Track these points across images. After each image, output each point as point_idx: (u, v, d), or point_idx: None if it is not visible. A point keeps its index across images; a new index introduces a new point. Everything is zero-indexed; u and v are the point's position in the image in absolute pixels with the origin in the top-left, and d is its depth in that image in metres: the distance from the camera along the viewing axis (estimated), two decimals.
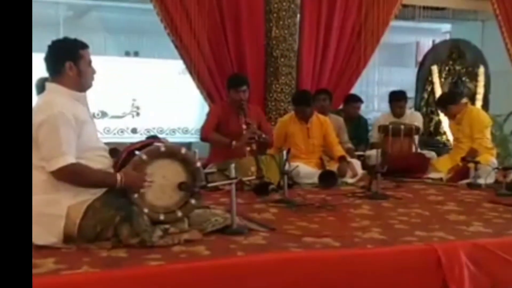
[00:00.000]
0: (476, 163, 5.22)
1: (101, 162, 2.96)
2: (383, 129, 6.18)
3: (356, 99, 6.80)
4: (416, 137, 6.24)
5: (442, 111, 6.09)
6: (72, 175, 2.78)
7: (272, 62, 6.39)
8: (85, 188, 2.84)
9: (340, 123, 6.14)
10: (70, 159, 2.76)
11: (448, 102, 5.89)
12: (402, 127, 6.09)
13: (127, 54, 9.15)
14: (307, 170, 5.18)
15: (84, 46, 3.02)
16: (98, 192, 2.86)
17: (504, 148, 7.85)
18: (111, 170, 2.97)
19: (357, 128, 6.64)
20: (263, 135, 5.11)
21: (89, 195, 2.84)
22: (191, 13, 6.06)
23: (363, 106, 7.13)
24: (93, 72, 3.06)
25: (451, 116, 5.91)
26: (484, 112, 6.21)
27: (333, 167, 5.31)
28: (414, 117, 6.47)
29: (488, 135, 5.77)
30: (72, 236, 2.75)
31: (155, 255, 2.61)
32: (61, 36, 3.30)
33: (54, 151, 2.75)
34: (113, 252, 2.68)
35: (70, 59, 2.94)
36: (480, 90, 8.08)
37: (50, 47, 2.98)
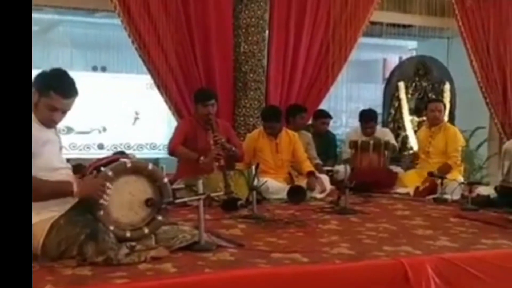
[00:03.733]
0: (443, 178, 5.28)
1: (64, 178, 2.90)
2: (353, 144, 6.22)
3: (325, 115, 6.84)
4: (386, 153, 6.29)
5: (439, 111, 5.97)
6: None
7: (241, 77, 6.39)
8: (47, 205, 2.77)
9: (308, 138, 6.17)
10: None
11: (444, 106, 5.99)
12: (372, 142, 6.14)
13: (95, 69, 9.06)
14: (275, 185, 5.17)
15: (59, 92, 2.85)
16: (62, 209, 2.80)
17: (469, 163, 7.95)
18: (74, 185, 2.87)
19: (325, 144, 6.68)
20: (233, 148, 5.10)
21: (52, 213, 2.78)
22: (159, 27, 6.03)
23: (331, 122, 7.17)
24: (51, 118, 2.90)
25: (438, 121, 5.91)
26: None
27: (302, 182, 5.32)
28: (384, 134, 6.52)
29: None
30: (35, 254, 2.68)
31: (120, 273, 2.57)
32: None
33: None
34: (78, 270, 2.62)
35: (36, 87, 2.84)
36: (446, 106, 8.20)
37: (41, 71, 2.90)
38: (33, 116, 2.84)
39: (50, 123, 2.94)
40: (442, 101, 6.23)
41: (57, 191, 2.79)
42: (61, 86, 2.88)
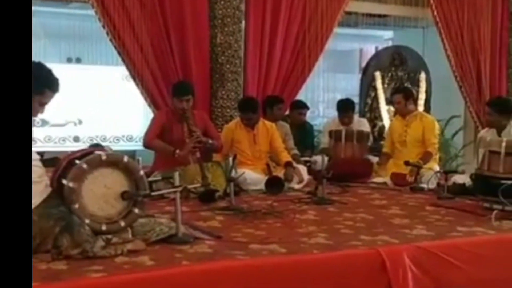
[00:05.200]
0: (419, 167, 5.32)
1: (33, 171, 2.87)
2: (335, 134, 6.21)
3: (302, 106, 6.85)
4: (367, 143, 6.33)
5: (398, 103, 5.95)
6: None
7: (218, 68, 6.35)
8: None
9: (286, 129, 6.17)
10: None
11: (412, 96, 6.01)
12: (355, 131, 6.15)
13: (69, 60, 8.95)
14: (253, 176, 5.17)
15: (53, 88, 2.99)
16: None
17: (445, 152, 8.05)
18: (45, 178, 2.90)
19: (303, 134, 6.69)
20: (210, 141, 5.08)
21: None
22: (133, 18, 5.95)
23: (308, 112, 7.18)
24: (39, 112, 3.02)
25: (403, 113, 5.94)
26: None
27: (280, 173, 5.32)
28: (361, 124, 6.55)
29: None
30: None
31: (97, 267, 2.55)
32: None
33: None
34: (53, 264, 2.60)
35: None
36: (422, 95, 8.27)
37: (34, 63, 2.87)
38: None
39: (36, 115, 3.02)
40: (401, 91, 6.16)
41: None
42: (54, 83, 3.00)
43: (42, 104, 2.99)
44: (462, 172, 5.51)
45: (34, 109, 2.95)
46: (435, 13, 7.53)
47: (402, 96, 5.94)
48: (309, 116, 7.47)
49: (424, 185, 5.22)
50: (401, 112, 5.98)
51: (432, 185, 5.18)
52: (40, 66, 3.01)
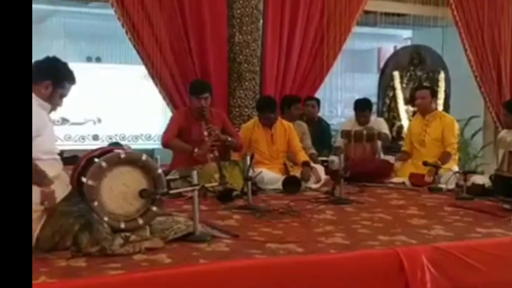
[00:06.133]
0: (437, 167, 5.29)
1: (53, 165, 2.95)
2: (346, 134, 6.20)
3: (309, 98, 6.76)
4: (379, 143, 6.28)
5: (423, 98, 5.87)
6: None
7: (236, 67, 6.37)
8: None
9: (304, 128, 6.16)
10: None
11: (436, 94, 5.96)
12: (365, 132, 6.12)
13: (89, 59, 9.03)
14: (270, 175, 5.17)
15: (72, 81, 3.12)
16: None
17: (464, 153, 7.98)
18: (62, 174, 2.99)
19: (318, 132, 6.61)
20: (229, 139, 5.09)
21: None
22: (153, 18, 6.00)
23: (326, 111, 7.16)
24: (60, 105, 3.14)
25: (426, 109, 5.89)
26: None
27: (297, 172, 5.31)
28: (378, 124, 6.51)
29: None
30: None
31: (115, 264, 2.57)
32: None
33: None
34: (72, 261, 2.62)
35: (52, 80, 3.01)
36: (441, 95, 8.19)
37: (49, 58, 3.07)
38: (42, 102, 3.00)
39: (56, 108, 3.15)
40: (428, 88, 6.13)
41: None
42: (72, 75, 3.13)
43: (62, 97, 3.11)
44: (482, 173, 5.45)
45: (56, 102, 3.09)
46: (455, 12, 7.48)
47: (430, 92, 5.91)
48: (327, 115, 7.46)
49: (443, 186, 5.18)
50: (424, 109, 5.90)
51: (451, 185, 5.14)
52: (56, 60, 3.11)
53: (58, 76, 3.05)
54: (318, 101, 6.93)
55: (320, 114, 7.14)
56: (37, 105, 2.95)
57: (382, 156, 6.28)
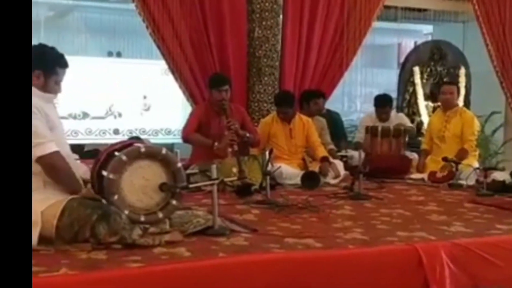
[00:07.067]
0: (457, 163, 5.25)
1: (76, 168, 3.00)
2: (371, 130, 6.17)
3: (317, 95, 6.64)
4: (405, 139, 6.25)
5: (451, 93, 5.84)
6: (53, 164, 2.85)
7: (255, 62, 6.37)
8: (53, 192, 2.84)
9: (322, 124, 6.14)
10: (55, 147, 2.81)
11: (458, 90, 5.91)
12: (392, 128, 6.08)
13: (110, 54, 9.08)
14: (289, 170, 5.18)
15: (64, 65, 3.08)
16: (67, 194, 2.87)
17: (485, 149, 7.91)
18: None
19: (330, 125, 6.50)
20: (247, 134, 5.11)
21: (63, 195, 2.83)
22: (173, 13, 6.02)
23: (346, 107, 7.13)
24: (58, 91, 3.11)
25: (451, 105, 5.85)
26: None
27: (316, 167, 5.31)
28: (399, 119, 6.47)
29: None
30: (51, 238, 2.72)
31: (135, 257, 2.59)
32: (41, 36, 3.31)
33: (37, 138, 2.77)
34: (93, 254, 2.64)
35: (42, 69, 2.98)
36: (461, 91, 8.12)
37: (35, 47, 2.96)
38: (42, 94, 2.99)
39: (56, 94, 3.12)
40: (455, 84, 6.12)
41: (70, 185, 2.97)
42: (62, 60, 3.09)
43: (58, 83, 3.08)
44: (502, 169, 5.40)
45: (52, 89, 3.05)
46: (476, 7, 7.40)
47: (456, 88, 5.87)
48: (346, 111, 7.42)
49: (463, 182, 5.14)
50: (449, 104, 5.85)
51: (471, 182, 5.10)
52: (43, 47, 3.08)
53: (48, 64, 3.02)
54: (321, 95, 6.76)
55: (337, 109, 7.05)
56: (41, 98, 2.95)
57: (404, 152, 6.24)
